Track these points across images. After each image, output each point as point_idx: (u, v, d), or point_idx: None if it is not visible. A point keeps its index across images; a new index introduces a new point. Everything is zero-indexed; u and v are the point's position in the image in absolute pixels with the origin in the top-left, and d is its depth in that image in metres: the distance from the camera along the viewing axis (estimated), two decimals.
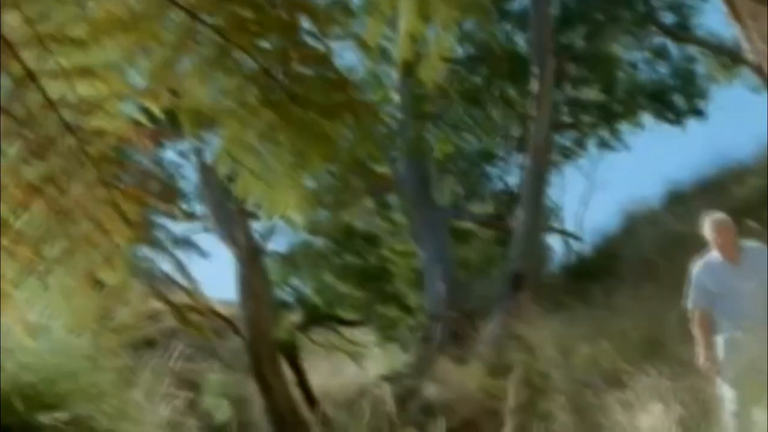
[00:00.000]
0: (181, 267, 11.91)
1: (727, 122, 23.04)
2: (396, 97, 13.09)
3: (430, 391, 9.80)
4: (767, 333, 4.97)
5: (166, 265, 12.12)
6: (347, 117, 3.86)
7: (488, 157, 13.87)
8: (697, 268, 5.54)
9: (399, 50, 3.67)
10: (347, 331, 16.02)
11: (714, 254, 5.50)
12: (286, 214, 3.96)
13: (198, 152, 11.16)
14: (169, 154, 12.68)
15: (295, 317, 14.91)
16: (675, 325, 7.02)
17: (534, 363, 8.48)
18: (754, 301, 5.24)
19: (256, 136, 3.50)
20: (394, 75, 13.05)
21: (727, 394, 5.03)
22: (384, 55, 12.31)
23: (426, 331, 11.98)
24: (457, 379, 9.56)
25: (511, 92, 13.01)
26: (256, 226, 12.00)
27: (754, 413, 4.62)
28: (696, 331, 5.40)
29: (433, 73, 3.68)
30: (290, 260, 15.66)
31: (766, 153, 12.22)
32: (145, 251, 10.76)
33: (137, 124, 3.14)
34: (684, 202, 12.19)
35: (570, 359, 8.14)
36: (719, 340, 5.29)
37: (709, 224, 5.53)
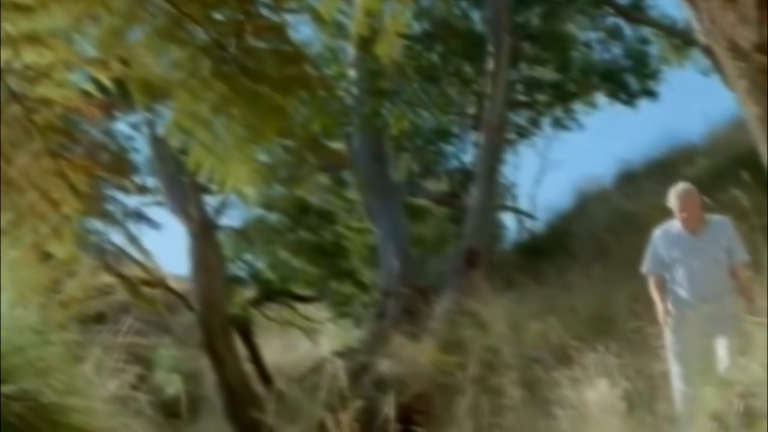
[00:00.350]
0: (133, 240, 11.75)
1: (678, 104, 23.42)
2: (352, 73, 13.02)
3: (383, 366, 9.86)
4: (717, 310, 4.91)
5: (117, 238, 11.95)
6: (301, 91, 3.83)
7: (443, 134, 13.87)
8: (656, 233, 5.52)
9: (355, 25, 3.64)
10: (301, 307, 16.01)
11: (676, 222, 5.45)
12: (238, 187, 3.92)
13: (150, 124, 10.99)
14: (121, 127, 12.47)
15: (248, 293, 14.85)
16: (624, 302, 7.16)
17: (485, 339, 8.57)
18: (707, 276, 5.22)
19: (208, 108, 3.46)
20: (350, 50, 12.97)
21: (674, 369, 5.06)
22: (340, 29, 12.22)
23: (379, 308, 12.02)
24: (410, 354, 9.63)
25: (467, 70, 13.01)
26: (210, 201, 11.90)
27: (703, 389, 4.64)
28: (652, 293, 5.42)
29: (389, 48, 3.67)
30: (244, 235, 15.56)
31: (715, 134, 12.46)
32: (96, 224, 10.58)
33: (86, 93, 3.07)
34: (635, 181, 12.38)
35: (521, 336, 8.24)
36: (670, 312, 5.28)
37: (673, 195, 5.44)
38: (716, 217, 5.50)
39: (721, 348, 4.78)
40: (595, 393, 4.56)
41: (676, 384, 4.99)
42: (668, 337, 5.22)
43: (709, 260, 5.27)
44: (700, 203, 5.43)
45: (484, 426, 4.98)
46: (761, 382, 3.04)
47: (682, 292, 5.29)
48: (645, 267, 5.50)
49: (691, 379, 4.74)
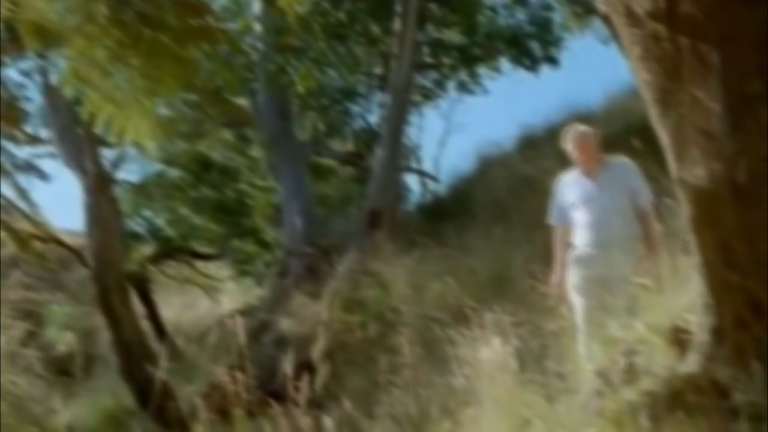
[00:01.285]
0: (23, 192, 11.28)
1: (578, 71, 23.95)
2: (257, 27, 12.77)
3: (284, 325, 9.86)
4: (620, 249, 4.81)
5: (6, 191, 11.46)
6: (203, 44, 3.72)
7: (349, 94, 13.82)
8: (559, 181, 5.38)
9: None
10: (202, 265, 15.82)
11: (575, 169, 5.29)
12: (137, 140, 3.80)
13: (43, 72, 10.50)
14: (12, 74, 11.89)
15: (147, 249, 14.54)
16: (521, 264, 7.35)
17: (386, 299, 8.67)
18: (607, 221, 5.04)
19: (106, 56, 3.33)
20: (256, 4, 12.70)
21: (577, 303, 5.04)
22: None
23: (282, 266, 11.98)
24: (312, 313, 9.65)
25: (374, 30, 12.95)
26: (106, 154, 11.52)
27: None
28: (554, 245, 5.35)
29: (294, 2, 3.61)
30: (143, 191, 15.18)
31: (612, 102, 12.84)
32: None
33: None
34: (535, 146, 12.66)
35: (421, 296, 8.38)
36: (574, 254, 5.19)
37: (569, 137, 5.24)
38: (617, 159, 5.30)
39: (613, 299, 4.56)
40: (490, 351, 4.67)
41: (580, 316, 4.97)
42: (573, 274, 5.15)
43: (608, 204, 5.09)
44: (597, 145, 5.25)
45: (381, 383, 5.05)
46: (644, 340, 3.19)
47: (583, 239, 5.17)
48: (550, 218, 5.41)
49: (593, 317, 4.67)
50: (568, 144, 5.24)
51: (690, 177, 2.57)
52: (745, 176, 2.45)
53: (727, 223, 2.52)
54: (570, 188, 5.31)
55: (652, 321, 3.25)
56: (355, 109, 14.18)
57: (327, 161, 14.87)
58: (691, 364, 2.75)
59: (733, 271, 2.53)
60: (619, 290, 4.47)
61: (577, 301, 5.06)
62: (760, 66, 2.40)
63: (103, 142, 9.42)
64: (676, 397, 2.64)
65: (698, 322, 2.78)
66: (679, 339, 3.01)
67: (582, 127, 5.33)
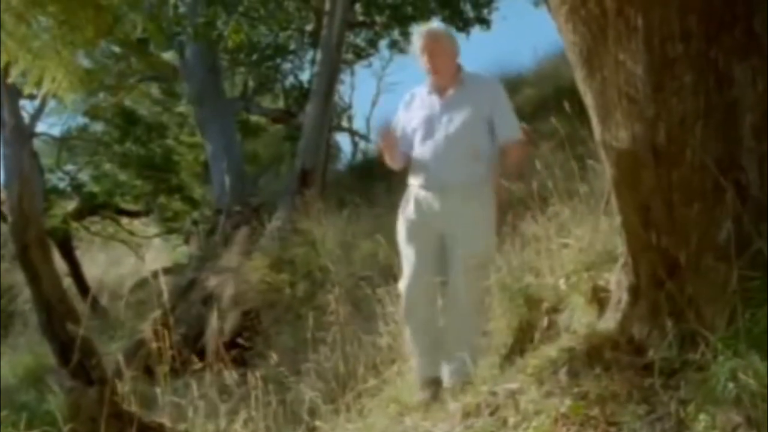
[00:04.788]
0: None
1: (509, 33, 24.03)
2: None
3: (212, 283, 9.78)
4: (464, 196, 3.80)
5: None
6: None
7: (281, 50, 13.60)
8: (404, 99, 4.12)
9: None
10: (127, 222, 15.53)
11: (425, 83, 4.03)
12: (55, 91, 3.67)
13: None
14: None
15: (70, 205, 14.20)
16: None
17: (316, 258, 8.67)
18: (452, 154, 3.82)
19: (22, 2, 3.19)
20: None
21: (404, 256, 4.00)
22: None
23: (210, 224, 11.84)
24: (240, 272, 9.59)
25: None
26: (26, 105, 11.12)
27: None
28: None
29: None
30: (66, 144, 14.76)
31: (542, 65, 12.98)
32: None
33: None
34: None
35: (350, 255, 8.40)
36: (406, 195, 4.03)
37: (416, 36, 3.98)
38: (477, 74, 4.05)
39: (457, 262, 3.77)
40: None
41: (402, 283, 3.96)
42: (400, 222, 4.03)
43: (453, 134, 3.84)
44: (452, 52, 3.95)
45: (308, 340, 5.05)
46: (564, 299, 3.26)
47: (418, 178, 3.96)
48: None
49: (420, 270, 3.86)
50: (416, 47, 3.96)
51: (613, 139, 2.62)
52: (664, 138, 2.50)
53: (646, 184, 2.57)
54: (414, 107, 4.02)
55: (574, 280, 3.32)
56: (286, 65, 14.00)
57: (257, 118, 14.69)
58: (608, 321, 2.82)
59: (651, 232, 2.60)
60: (460, 247, 3.74)
61: (404, 252, 3.97)
62: (683, 30, 2.45)
63: (23, 93, 9.10)
64: (594, 353, 2.71)
65: (616, 281, 2.85)
66: (598, 297, 3.09)
67: (434, 26, 4.13)
